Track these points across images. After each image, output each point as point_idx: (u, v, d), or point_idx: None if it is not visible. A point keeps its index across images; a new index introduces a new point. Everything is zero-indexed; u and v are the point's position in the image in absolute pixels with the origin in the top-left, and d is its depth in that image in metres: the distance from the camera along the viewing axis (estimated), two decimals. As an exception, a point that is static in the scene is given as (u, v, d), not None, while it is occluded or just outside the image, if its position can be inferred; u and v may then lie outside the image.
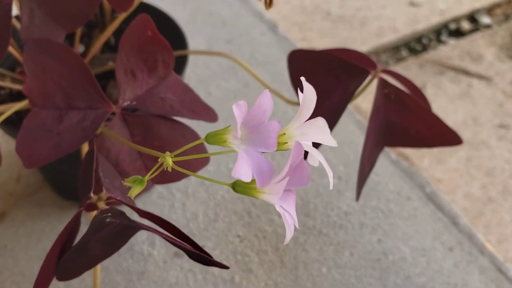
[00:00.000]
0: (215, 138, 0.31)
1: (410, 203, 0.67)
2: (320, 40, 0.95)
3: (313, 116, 0.52)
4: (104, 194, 0.34)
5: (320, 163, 0.33)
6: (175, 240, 0.34)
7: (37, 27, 0.43)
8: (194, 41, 0.83)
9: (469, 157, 0.76)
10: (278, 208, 0.30)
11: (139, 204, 0.66)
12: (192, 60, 0.78)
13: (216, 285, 0.60)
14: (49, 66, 0.42)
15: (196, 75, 0.79)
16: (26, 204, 0.65)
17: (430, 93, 0.85)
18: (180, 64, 0.59)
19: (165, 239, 0.34)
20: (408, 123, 0.51)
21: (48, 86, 0.42)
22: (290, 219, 0.31)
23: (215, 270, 0.61)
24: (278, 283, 0.60)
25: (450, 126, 0.50)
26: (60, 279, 0.37)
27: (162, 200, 0.66)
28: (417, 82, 0.87)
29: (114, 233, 0.36)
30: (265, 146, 0.31)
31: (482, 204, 0.70)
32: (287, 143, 0.33)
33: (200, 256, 0.36)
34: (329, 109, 0.51)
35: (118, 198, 0.34)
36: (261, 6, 0.90)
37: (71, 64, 0.42)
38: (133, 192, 0.31)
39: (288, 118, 0.74)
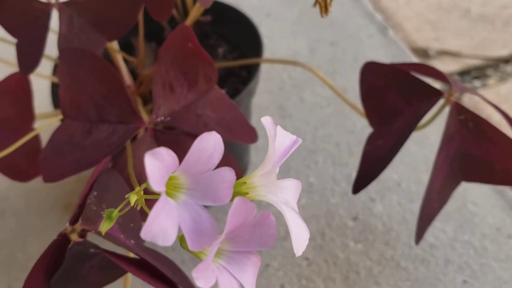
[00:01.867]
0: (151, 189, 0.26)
1: (510, 242, 0.56)
2: (454, 40, 0.85)
3: (378, 138, 0.46)
4: (78, 225, 0.32)
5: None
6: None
7: (76, 35, 0.42)
8: (296, 43, 0.79)
9: None
10: (200, 283, 0.25)
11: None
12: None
13: (274, 309, 0.56)
14: (83, 77, 0.41)
15: (292, 79, 0.75)
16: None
17: None
18: (253, 73, 0.56)
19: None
20: (491, 157, 0.43)
21: (81, 98, 0.41)
22: None
23: (276, 292, 0.57)
24: (342, 316, 0.55)
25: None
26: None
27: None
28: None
29: (108, 265, 0.34)
30: (212, 198, 0.26)
31: None
32: (248, 193, 0.28)
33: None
34: (395, 133, 0.44)
35: (94, 231, 0.32)
36: (373, 6, 0.83)
37: (105, 77, 0.41)
38: (102, 228, 0.28)
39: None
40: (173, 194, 0.26)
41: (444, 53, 0.84)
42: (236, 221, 0.25)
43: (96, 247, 0.32)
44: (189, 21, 0.52)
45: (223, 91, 0.44)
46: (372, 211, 0.61)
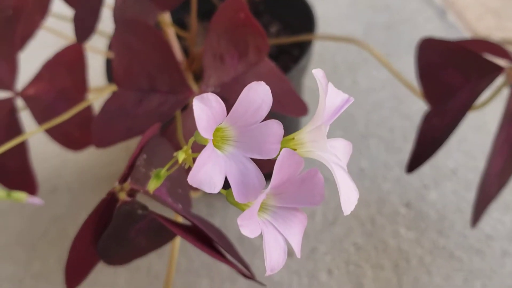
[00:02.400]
0: (199, 137, 0.26)
1: None
2: (519, 30, 0.81)
3: (434, 116, 0.44)
4: (127, 184, 0.32)
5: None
6: (204, 248, 0.31)
7: (130, 7, 0.42)
8: (351, 26, 0.78)
9: None
10: (245, 232, 0.24)
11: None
12: (344, 46, 0.73)
13: (320, 293, 0.55)
14: (135, 47, 0.41)
15: (346, 62, 0.73)
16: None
17: None
18: (304, 50, 0.55)
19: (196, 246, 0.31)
20: (557, 138, 0.40)
21: (134, 67, 0.41)
22: (275, 244, 0.25)
23: (322, 276, 0.56)
24: (391, 304, 0.53)
25: None
26: (108, 263, 0.36)
27: (282, 193, 0.63)
28: None
29: (156, 228, 0.34)
30: (259, 151, 0.25)
31: None
32: (296, 150, 0.26)
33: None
34: (451, 111, 0.42)
35: (142, 190, 0.31)
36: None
37: (156, 46, 0.41)
38: (150, 186, 0.28)
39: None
40: (220, 146, 0.25)
41: (506, 43, 0.80)
42: (282, 174, 0.24)
43: (144, 208, 0.32)
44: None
45: (273, 64, 0.43)
46: (426, 199, 0.59)
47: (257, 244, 0.59)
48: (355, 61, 0.73)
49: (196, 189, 0.39)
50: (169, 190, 0.34)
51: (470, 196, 0.59)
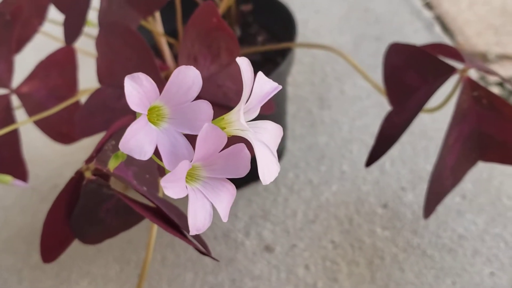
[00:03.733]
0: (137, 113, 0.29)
1: (542, 237, 0.55)
2: (517, 45, 0.83)
3: (395, 115, 0.47)
4: (92, 164, 0.35)
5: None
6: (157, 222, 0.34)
7: (114, 11, 0.46)
8: (342, 38, 0.81)
9: None
10: (168, 192, 0.27)
11: (245, 193, 0.66)
12: (334, 57, 0.76)
13: (297, 286, 0.57)
14: (117, 48, 0.45)
15: (334, 72, 0.76)
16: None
17: None
18: (285, 57, 0.58)
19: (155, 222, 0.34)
20: (507, 136, 0.42)
21: (115, 66, 0.45)
22: (201, 209, 0.28)
23: (300, 271, 0.58)
24: (364, 299, 0.55)
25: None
26: (83, 242, 0.40)
27: (266, 193, 0.66)
28: None
29: (123, 208, 0.37)
30: (189, 127, 0.28)
31: None
32: (225, 128, 0.30)
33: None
34: (408, 110, 0.45)
35: (105, 170, 0.35)
36: (420, 3, 0.83)
37: (136, 48, 0.45)
38: (110, 165, 0.31)
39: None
40: (156, 122, 0.29)
41: (504, 58, 0.82)
42: (207, 146, 0.28)
43: (108, 187, 0.35)
44: (224, 5, 0.55)
45: (245, 65, 0.47)
46: (403, 200, 0.62)
47: (240, 240, 0.61)
48: (344, 71, 0.76)
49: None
50: (136, 175, 0.37)
51: (447, 200, 0.61)
